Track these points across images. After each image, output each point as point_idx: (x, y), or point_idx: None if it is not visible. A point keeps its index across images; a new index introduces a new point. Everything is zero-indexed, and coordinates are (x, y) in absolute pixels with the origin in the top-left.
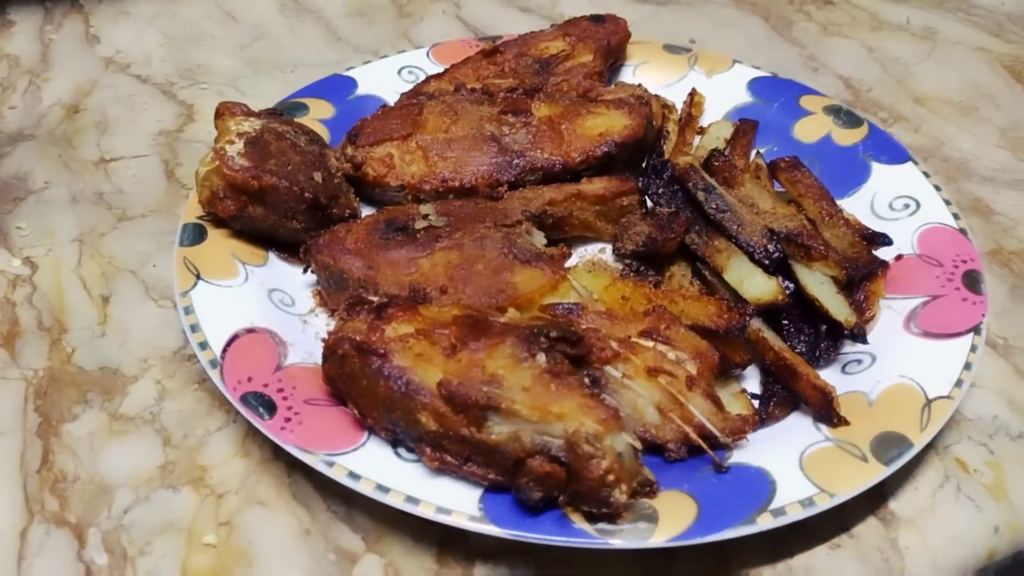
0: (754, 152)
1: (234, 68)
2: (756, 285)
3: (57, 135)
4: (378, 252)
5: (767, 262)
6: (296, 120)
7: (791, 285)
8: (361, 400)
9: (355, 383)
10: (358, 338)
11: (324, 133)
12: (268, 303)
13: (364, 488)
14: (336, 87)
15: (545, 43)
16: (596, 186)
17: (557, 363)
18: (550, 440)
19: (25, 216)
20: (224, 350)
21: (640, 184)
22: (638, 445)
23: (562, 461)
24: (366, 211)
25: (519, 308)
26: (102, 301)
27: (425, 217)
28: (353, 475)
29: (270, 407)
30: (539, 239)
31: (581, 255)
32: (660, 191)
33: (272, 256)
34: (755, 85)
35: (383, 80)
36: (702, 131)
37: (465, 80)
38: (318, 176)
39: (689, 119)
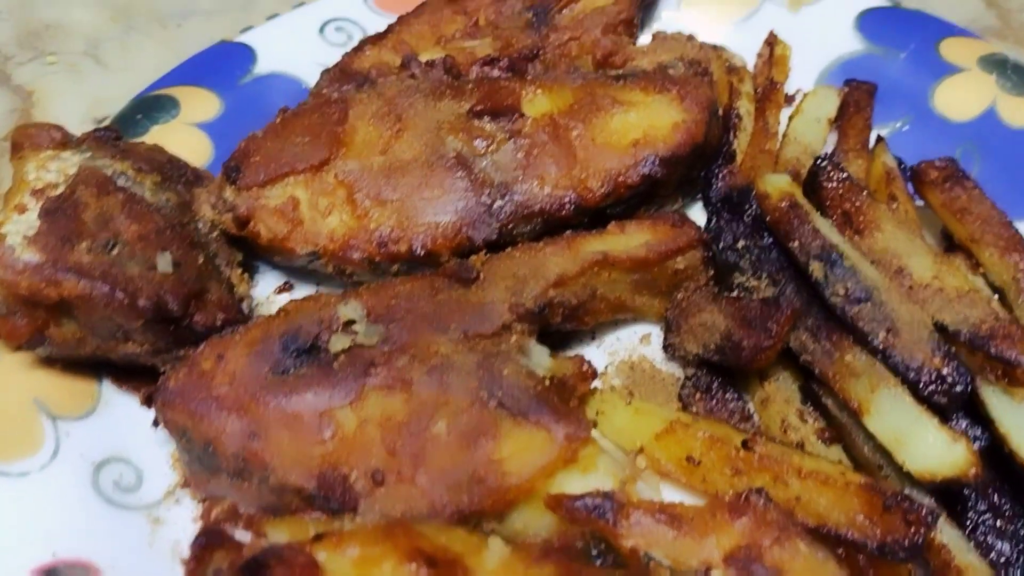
0: (874, 135)
1: (97, 26)
2: (929, 450)
3: None
4: (268, 401)
5: (944, 400)
6: (151, 140)
7: (981, 434)
8: None
9: None
10: None
11: (204, 145)
12: (92, 496)
13: None
14: (223, 65)
15: None
16: (632, 242)
17: None
18: None
19: None
20: None
21: (705, 231)
22: None
23: None
24: (265, 282)
25: (511, 505)
26: None
27: (348, 327)
28: None
29: None
30: (540, 358)
31: (612, 351)
32: (739, 244)
33: (107, 390)
34: (869, 22)
35: (296, 47)
36: (789, 100)
37: (418, 45)
38: (166, 262)
39: (771, 87)
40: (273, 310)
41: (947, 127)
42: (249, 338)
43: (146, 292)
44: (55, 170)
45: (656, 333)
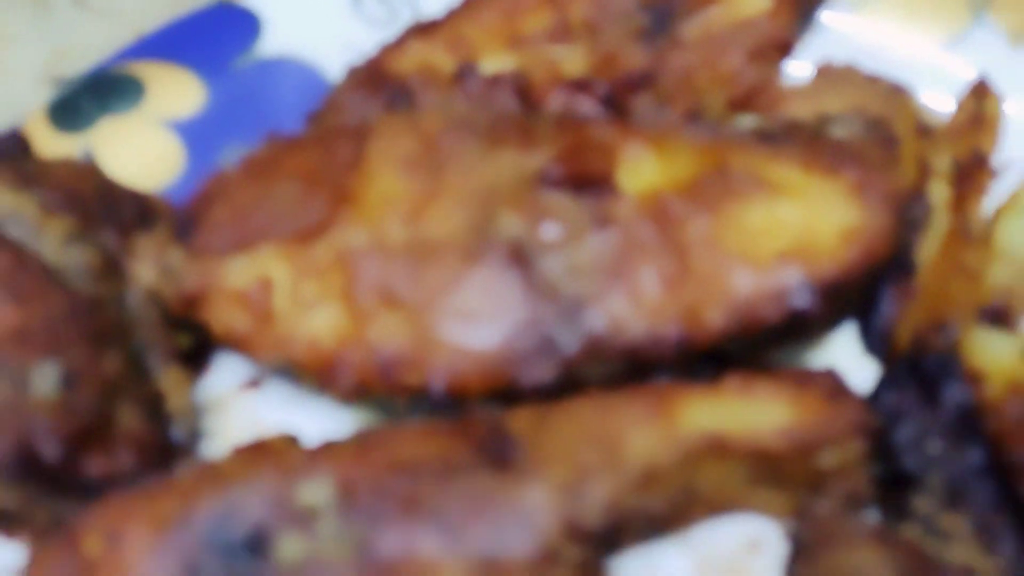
0: None
1: None
2: None
3: None
4: None
5: None
6: (86, 137)
7: None
8: None
9: None
10: None
11: (174, 153)
12: None
13: None
14: (215, 36)
15: None
16: (763, 417)
17: None
18: None
19: None
20: None
21: (873, 402)
22: None
23: None
24: (228, 371)
25: None
26: None
27: (306, 520)
28: None
29: None
30: None
31: (701, 558)
32: (929, 444)
33: None
34: None
35: (321, 20)
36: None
37: (483, 44)
38: (48, 378)
39: (975, 165)
40: (232, 417)
41: None
42: (160, 511)
43: (4, 432)
44: None
45: (774, 541)
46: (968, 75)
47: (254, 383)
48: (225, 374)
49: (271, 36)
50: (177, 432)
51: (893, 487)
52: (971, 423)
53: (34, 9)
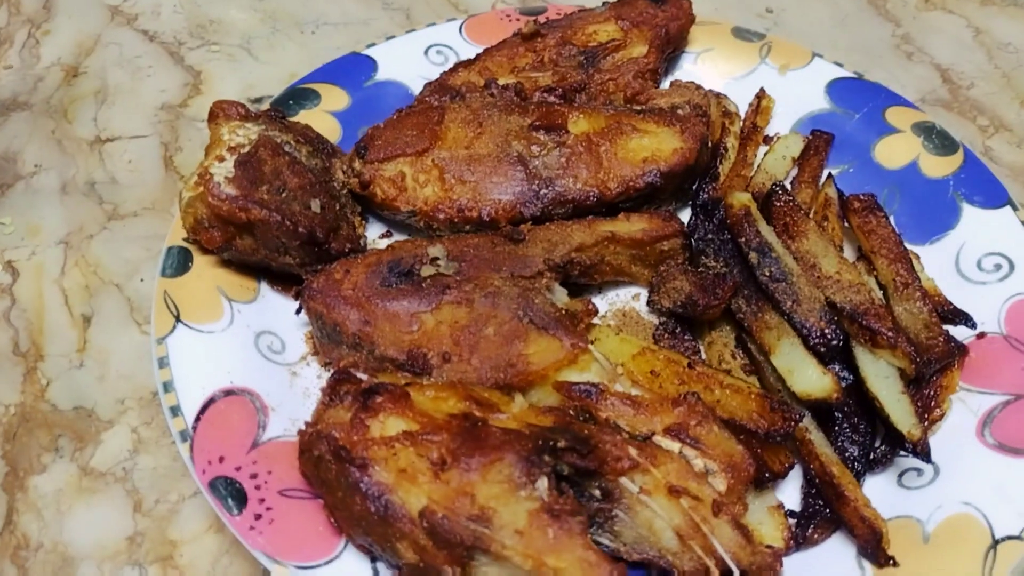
0: (826, 172)
1: (250, 25)
2: (807, 379)
3: (53, 104)
4: (377, 302)
5: (823, 350)
6: (301, 120)
7: (849, 376)
8: (336, 511)
9: (331, 491)
10: (338, 438)
11: (335, 128)
12: (254, 352)
13: None
14: (352, 71)
15: (594, 26)
16: (634, 227)
17: (559, 498)
18: None
19: (11, 208)
20: (197, 419)
21: (686, 226)
22: None
23: None
24: (373, 229)
25: (531, 384)
26: (83, 322)
27: (434, 261)
28: None
29: (240, 498)
30: (561, 296)
31: (612, 301)
32: (708, 237)
33: (264, 288)
34: (836, 89)
35: (407, 62)
36: (767, 141)
37: (498, 71)
38: (316, 205)
39: (753, 130)
40: (380, 247)
41: (880, 172)
42: (367, 262)
43: (303, 223)
44: (241, 135)
45: (643, 293)
46: (751, 92)
47: (388, 234)
48: (374, 229)
49: (382, 69)
50: (361, 243)
51: (694, 256)
52: (725, 224)
53: (229, 61)
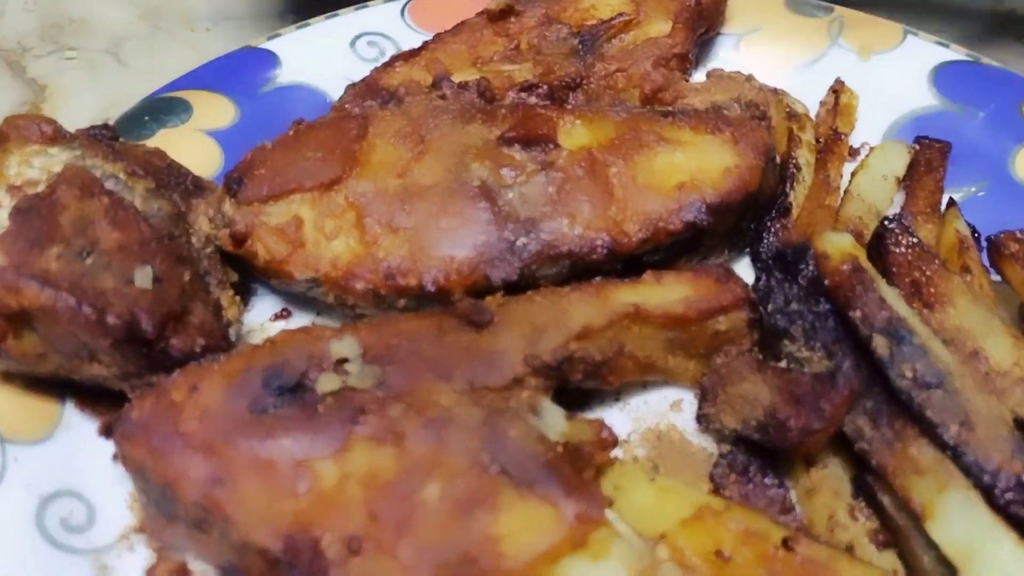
0: (945, 198)
1: (123, 24)
2: (1005, 570)
3: None
4: (239, 442)
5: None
6: (156, 143)
7: None
8: None
9: None
10: None
11: (213, 153)
12: (34, 534)
13: None
14: (242, 72)
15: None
16: (669, 295)
17: None
18: None
19: None
20: None
21: (752, 289)
22: None
23: None
24: (264, 307)
25: None
26: None
27: (340, 366)
28: None
29: None
30: (554, 420)
31: (638, 417)
32: (792, 308)
33: (68, 413)
34: (944, 76)
35: (324, 58)
36: (853, 153)
37: (453, 64)
38: (144, 277)
39: (834, 140)
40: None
41: None
42: (228, 369)
43: (117, 308)
44: (38, 166)
45: (689, 400)
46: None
47: (284, 314)
48: (263, 307)
49: (286, 69)
50: (228, 334)
51: (770, 339)
52: (818, 286)
53: (89, 71)
